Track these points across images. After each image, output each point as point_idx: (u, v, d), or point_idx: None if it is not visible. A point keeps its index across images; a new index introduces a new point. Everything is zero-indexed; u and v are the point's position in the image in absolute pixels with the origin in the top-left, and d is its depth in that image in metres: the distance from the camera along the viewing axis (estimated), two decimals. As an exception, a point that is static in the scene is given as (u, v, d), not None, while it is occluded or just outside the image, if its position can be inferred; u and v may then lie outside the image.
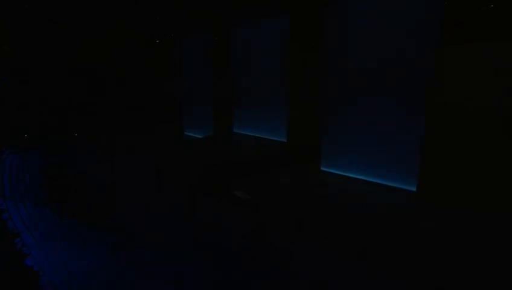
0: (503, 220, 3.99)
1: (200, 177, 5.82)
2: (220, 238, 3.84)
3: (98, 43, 11.38)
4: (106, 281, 3.09)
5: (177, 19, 10.16)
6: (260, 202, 4.84)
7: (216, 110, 9.18)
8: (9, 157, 8.01)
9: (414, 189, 4.98)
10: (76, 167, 7.09)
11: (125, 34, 11.41)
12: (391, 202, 4.79)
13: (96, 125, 11.19)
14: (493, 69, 5.42)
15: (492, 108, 5.48)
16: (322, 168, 6.27)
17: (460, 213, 4.28)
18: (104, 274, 3.21)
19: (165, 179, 5.90)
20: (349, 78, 5.68)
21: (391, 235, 3.82)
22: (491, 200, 4.45)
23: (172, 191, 5.40)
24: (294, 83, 7.30)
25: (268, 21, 7.48)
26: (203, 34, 9.25)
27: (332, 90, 5.98)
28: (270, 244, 3.70)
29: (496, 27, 5.38)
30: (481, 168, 5.05)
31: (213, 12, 8.95)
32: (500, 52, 5.25)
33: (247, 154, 6.71)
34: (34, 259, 3.43)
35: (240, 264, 3.32)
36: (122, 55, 11.77)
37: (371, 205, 4.72)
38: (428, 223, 4.11)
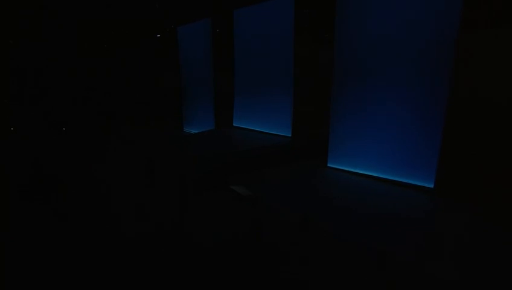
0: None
1: (198, 172, 5.35)
2: (216, 238, 3.34)
3: (95, 36, 11.05)
4: None
5: (176, 11, 9.79)
6: (261, 200, 4.33)
7: (216, 103, 8.75)
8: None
9: (432, 185, 4.41)
10: (65, 162, 6.68)
11: (124, 26, 11.06)
12: (404, 200, 4.26)
13: (92, 120, 10.86)
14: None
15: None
16: (329, 165, 5.74)
17: (482, 212, 3.73)
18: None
19: (158, 174, 5.44)
20: (359, 68, 5.14)
21: (401, 236, 3.31)
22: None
23: (166, 187, 4.94)
24: (300, 74, 6.81)
25: (273, 11, 6.98)
26: (203, 27, 8.82)
27: (340, 81, 5.44)
28: (270, 244, 3.20)
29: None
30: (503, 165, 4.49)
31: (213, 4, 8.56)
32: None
33: (248, 149, 6.23)
34: None
35: (238, 265, 2.82)
36: (121, 48, 11.42)
37: (380, 203, 4.19)
38: (445, 222, 3.59)
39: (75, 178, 5.59)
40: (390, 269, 2.74)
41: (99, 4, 10.03)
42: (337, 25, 5.39)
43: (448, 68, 4.17)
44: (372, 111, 5.09)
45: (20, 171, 6.03)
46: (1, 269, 2.97)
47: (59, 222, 3.89)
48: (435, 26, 4.26)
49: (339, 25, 5.37)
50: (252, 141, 6.82)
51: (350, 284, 2.63)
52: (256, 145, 6.44)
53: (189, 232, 3.59)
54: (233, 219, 3.82)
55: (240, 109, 8.18)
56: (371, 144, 5.14)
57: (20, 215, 4.11)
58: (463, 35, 4.14)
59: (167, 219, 3.91)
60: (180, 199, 4.47)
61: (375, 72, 4.98)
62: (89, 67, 11.21)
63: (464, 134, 4.73)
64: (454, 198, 4.17)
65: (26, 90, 10.56)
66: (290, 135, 6.88)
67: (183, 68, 9.98)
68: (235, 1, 7.74)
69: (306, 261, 2.93)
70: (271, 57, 7.14)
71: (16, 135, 9.54)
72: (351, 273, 2.76)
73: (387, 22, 4.78)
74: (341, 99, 5.47)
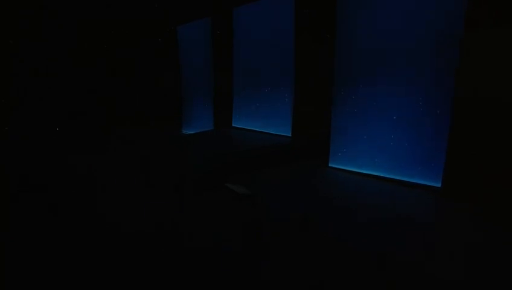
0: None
1: (198, 172, 5.33)
2: (213, 239, 3.31)
3: (95, 36, 11.03)
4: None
5: (176, 11, 9.77)
6: (259, 199, 4.30)
7: (216, 104, 8.73)
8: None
9: (439, 185, 4.38)
10: (59, 160, 6.67)
11: (124, 26, 11.03)
12: (408, 200, 4.22)
13: (90, 120, 10.85)
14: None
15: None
16: (330, 164, 5.72)
17: (488, 211, 3.69)
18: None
19: (154, 174, 5.42)
20: (361, 68, 5.12)
21: (402, 236, 3.27)
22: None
23: (162, 187, 4.91)
24: (300, 74, 6.78)
25: (272, 11, 6.95)
26: (203, 27, 8.80)
27: (342, 80, 5.42)
28: (269, 244, 3.17)
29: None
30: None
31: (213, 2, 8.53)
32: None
33: (248, 149, 6.20)
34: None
35: (236, 266, 2.79)
36: (121, 48, 11.39)
37: (382, 203, 4.15)
38: (447, 223, 3.56)
39: (72, 177, 5.57)
40: (390, 269, 2.72)
41: (99, 4, 10.02)
42: (337, 24, 5.37)
43: (453, 67, 4.16)
44: (375, 110, 5.06)
45: (16, 171, 6.02)
46: (1, 268, 2.96)
47: (55, 221, 3.87)
48: (439, 25, 4.24)
49: (340, 25, 5.35)
50: (252, 141, 6.79)
51: (350, 284, 2.60)
52: (256, 145, 6.41)
53: (188, 232, 3.56)
54: (233, 219, 3.79)
55: (239, 108, 8.16)
56: (374, 143, 5.11)
57: (19, 215, 4.09)
58: (465, 34, 4.12)
59: (165, 218, 3.89)
60: (178, 199, 4.45)
61: (377, 71, 4.95)
62: (88, 68, 11.19)
63: (471, 133, 4.70)
64: (461, 198, 4.12)
65: (26, 90, 10.54)
66: (290, 135, 6.86)
67: (183, 68, 9.96)
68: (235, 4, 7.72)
69: (305, 262, 2.91)
70: (271, 57, 7.11)
71: (13, 135, 9.51)
72: (351, 273, 2.73)
73: (388, 21, 4.76)
74: (342, 99, 5.45)
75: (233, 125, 8.33)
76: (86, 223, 3.82)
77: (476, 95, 4.71)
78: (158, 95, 11.59)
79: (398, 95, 4.75)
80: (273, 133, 7.23)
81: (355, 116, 5.31)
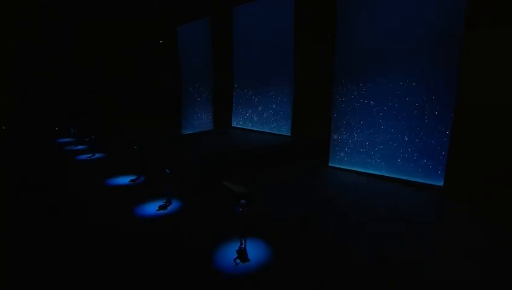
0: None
1: (198, 172, 5.31)
2: (213, 239, 3.31)
3: (95, 36, 11.03)
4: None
5: (176, 11, 9.76)
6: (260, 199, 4.29)
7: (215, 104, 8.74)
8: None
9: (441, 184, 4.37)
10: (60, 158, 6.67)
11: (124, 26, 11.03)
12: (410, 201, 4.20)
13: (92, 120, 10.84)
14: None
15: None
16: (330, 164, 5.71)
17: (493, 213, 3.69)
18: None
19: (155, 173, 5.41)
20: (363, 67, 5.13)
21: (402, 236, 3.27)
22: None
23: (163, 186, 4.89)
24: (300, 74, 6.78)
25: (272, 10, 6.94)
26: (203, 27, 8.79)
27: (341, 80, 5.43)
28: (269, 244, 3.16)
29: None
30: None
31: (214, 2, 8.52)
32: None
33: (248, 149, 6.19)
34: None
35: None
36: (121, 48, 11.40)
37: (385, 203, 4.13)
38: (446, 222, 3.56)
39: (72, 177, 5.57)
40: (390, 269, 2.71)
41: (99, 4, 10.01)
42: (337, 24, 5.38)
43: (453, 67, 4.17)
44: (375, 110, 5.06)
45: (16, 171, 6.01)
46: (1, 268, 2.95)
47: (55, 221, 3.87)
48: (439, 25, 4.25)
49: (340, 25, 5.36)
50: (252, 141, 6.79)
51: (350, 284, 2.60)
52: (256, 145, 6.40)
53: (188, 232, 3.56)
54: (232, 219, 3.78)
55: (239, 108, 8.15)
56: (375, 143, 5.12)
57: (19, 215, 4.08)
58: (465, 34, 4.12)
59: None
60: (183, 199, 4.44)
61: (377, 71, 4.96)
62: (88, 68, 11.18)
63: (471, 132, 4.69)
64: (462, 198, 4.12)
65: (26, 90, 10.54)
66: (290, 135, 6.86)
67: (183, 68, 9.96)
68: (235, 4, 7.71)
69: (305, 262, 2.91)
70: (271, 57, 7.10)
71: (13, 135, 9.48)
72: (351, 273, 2.73)
73: (388, 21, 4.76)
74: (342, 98, 5.47)
75: (233, 125, 8.33)
76: (86, 223, 3.82)
77: (476, 95, 4.71)
78: (158, 95, 11.58)
79: (398, 95, 4.76)
80: (273, 133, 7.22)
81: (355, 116, 5.31)
